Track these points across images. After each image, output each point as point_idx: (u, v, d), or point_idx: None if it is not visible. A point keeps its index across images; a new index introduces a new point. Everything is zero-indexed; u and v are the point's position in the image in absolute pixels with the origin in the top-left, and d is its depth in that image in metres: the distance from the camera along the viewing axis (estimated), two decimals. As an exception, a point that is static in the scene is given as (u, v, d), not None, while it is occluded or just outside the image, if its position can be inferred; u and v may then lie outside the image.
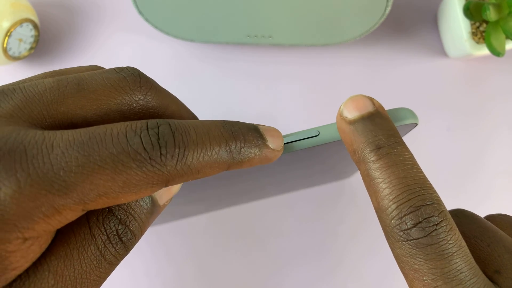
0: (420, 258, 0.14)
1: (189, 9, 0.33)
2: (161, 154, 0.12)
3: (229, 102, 0.39)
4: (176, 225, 0.37)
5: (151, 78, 0.16)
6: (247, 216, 0.37)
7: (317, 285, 0.37)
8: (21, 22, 0.35)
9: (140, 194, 0.12)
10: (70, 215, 0.12)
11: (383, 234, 0.15)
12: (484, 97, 0.39)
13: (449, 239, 0.14)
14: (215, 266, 0.37)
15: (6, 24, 0.34)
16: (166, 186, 0.13)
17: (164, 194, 0.15)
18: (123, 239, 0.14)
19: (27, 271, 0.12)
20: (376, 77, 0.39)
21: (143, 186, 0.12)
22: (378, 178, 0.15)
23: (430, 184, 0.15)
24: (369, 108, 0.16)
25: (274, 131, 0.16)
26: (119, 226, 0.14)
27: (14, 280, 0.12)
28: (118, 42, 0.39)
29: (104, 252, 0.13)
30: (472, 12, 0.33)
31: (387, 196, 0.14)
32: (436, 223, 0.14)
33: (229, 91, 0.39)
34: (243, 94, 0.39)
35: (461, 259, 0.14)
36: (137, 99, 0.15)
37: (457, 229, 0.14)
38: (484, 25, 0.35)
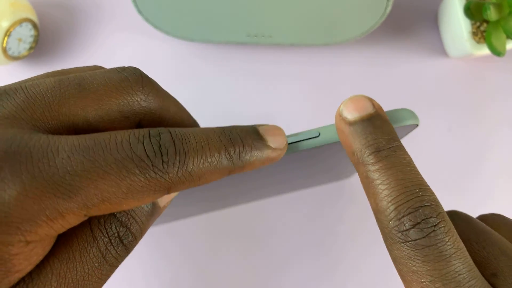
0: (418, 259, 0.14)
1: (188, 9, 0.33)
2: (163, 161, 0.12)
3: (229, 101, 0.39)
4: (175, 225, 0.37)
5: (152, 79, 0.16)
6: (247, 216, 0.37)
7: (317, 285, 0.37)
8: (20, 22, 0.35)
9: (142, 201, 0.13)
10: (73, 220, 0.12)
11: (383, 238, 0.15)
12: (485, 97, 0.39)
13: (447, 240, 0.14)
14: (214, 267, 0.37)
15: (5, 24, 0.34)
16: (168, 193, 0.13)
17: (164, 196, 0.15)
18: (124, 241, 0.14)
19: (30, 274, 0.12)
20: (376, 77, 0.39)
21: (145, 192, 0.12)
22: (377, 180, 0.15)
23: (428, 186, 0.15)
24: (368, 109, 0.16)
25: (276, 130, 0.16)
26: (120, 228, 0.14)
27: (18, 283, 0.12)
28: (117, 42, 0.39)
29: (105, 254, 0.13)
30: (473, 11, 0.33)
31: (385, 198, 0.14)
32: (434, 224, 0.14)
33: (229, 90, 0.39)
34: (242, 94, 0.39)
35: (460, 261, 0.13)
36: (138, 99, 0.15)
37: (455, 230, 0.14)
38: (485, 24, 0.35)
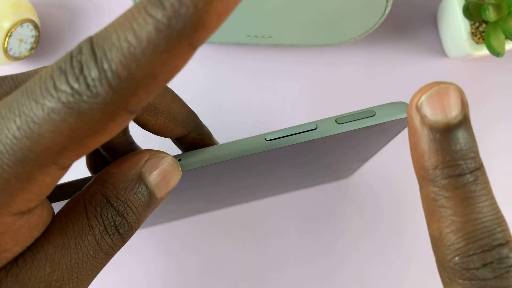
0: None
1: (189, 10, 0.33)
2: (87, 85, 0.10)
3: (229, 102, 0.39)
4: (176, 225, 0.37)
5: None
6: (247, 216, 0.37)
7: (317, 285, 0.37)
8: (21, 22, 0.35)
9: (105, 133, 0.11)
10: (48, 179, 0.11)
11: (436, 263, 0.14)
12: (484, 97, 0.39)
13: None
14: (214, 267, 0.37)
15: (6, 24, 0.34)
16: (131, 111, 0.11)
17: (162, 187, 0.15)
18: (120, 230, 0.14)
19: (24, 258, 0.12)
20: (376, 77, 0.39)
21: (97, 125, 0.10)
22: (448, 208, 0.13)
23: (505, 219, 0.13)
24: (458, 113, 0.13)
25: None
26: (117, 218, 0.14)
27: (12, 266, 0.12)
28: (118, 42, 0.39)
29: (101, 242, 0.13)
30: (472, 12, 0.33)
31: (455, 231, 0.13)
32: (510, 264, 0.12)
33: (229, 91, 0.39)
34: (242, 94, 0.39)
35: None
36: None
37: None
38: (484, 25, 0.36)
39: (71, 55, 0.10)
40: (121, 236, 0.14)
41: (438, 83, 0.13)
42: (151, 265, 0.37)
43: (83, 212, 0.13)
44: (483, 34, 0.35)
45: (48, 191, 0.12)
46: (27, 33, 0.36)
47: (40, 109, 0.10)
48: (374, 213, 0.38)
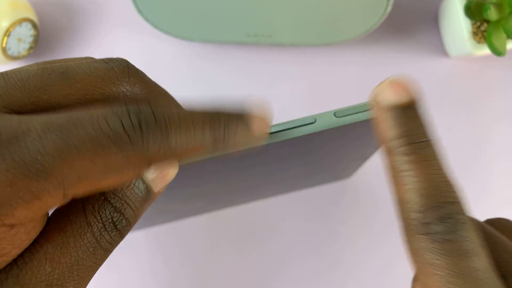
0: (438, 253, 0.14)
1: (188, 8, 0.33)
2: (142, 137, 0.12)
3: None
4: (175, 226, 0.37)
5: (140, 70, 0.15)
6: (247, 216, 0.37)
7: (317, 285, 0.37)
8: (20, 21, 0.35)
9: (123, 177, 0.12)
10: (51, 201, 0.12)
11: (401, 229, 0.15)
12: (485, 96, 0.39)
13: (470, 237, 0.14)
14: (214, 267, 0.37)
15: (5, 24, 0.34)
16: (149, 167, 0.13)
17: (159, 182, 0.15)
18: (118, 226, 0.14)
19: (23, 259, 0.12)
20: (377, 77, 0.39)
21: (125, 169, 0.12)
22: (408, 171, 0.15)
23: (457, 185, 0.15)
24: (407, 96, 0.15)
25: (261, 121, 0.15)
26: (115, 214, 0.14)
27: (11, 268, 0.12)
28: (117, 42, 0.39)
29: (99, 239, 0.13)
30: (473, 11, 0.33)
31: (413, 189, 0.14)
32: (460, 220, 0.14)
33: (229, 90, 0.39)
34: (242, 93, 0.39)
35: (478, 257, 0.14)
36: (124, 90, 0.14)
37: (476, 230, 0.14)
38: (485, 24, 0.35)
39: (127, 110, 0.12)
40: (119, 231, 0.14)
41: (392, 77, 0.16)
42: (150, 266, 0.37)
43: (80, 210, 0.13)
44: (484, 33, 0.35)
45: (43, 213, 0.12)
46: (26, 33, 0.36)
47: (86, 139, 0.11)
48: (374, 213, 0.38)
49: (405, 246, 0.15)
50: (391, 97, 0.15)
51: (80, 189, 0.12)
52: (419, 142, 0.15)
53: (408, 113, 0.15)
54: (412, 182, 0.14)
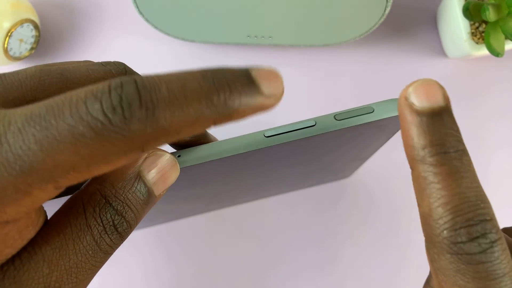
0: (469, 275, 0.13)
1: (189, 10, 0.33)
2: (124, 118, 0.10)
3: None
4: (175, 225, 0.37)
5: (137, 73, 0.15)
6: (247, 216, 0.37)
7: (317, 285, 0.37)
8: (21, 22, 0.35)
9: (114, 163, 0.11)
10: (43, 195, 0.11)
11: (425, 241, 0.14)
12: (484, 97, 0.39)
13: (503, 258, 0.13)
14: (214, 266, 0.37)
15: (6, 25, 0.34)
16: (143, 151, 0.11)
17: (160, 185, 0.15)
18: (119, 229, 0.14)
19: (21, 260, 0.12)
20: (376, 77, 0.39)
21: (113, 155, 0.11)
22: (437, 184, 0.14)
23: (489, 200, 0.14)
24: (440, 101, 0.14)
25: (271, 74, 0.12)
26: (115, 217, 0.14)
27: (8, 268, 0.12)
28: (118, 42, 0.39)
29: (99, 242, 0.13)
30: (472, 12, 0.33)
31: (442, 205, 0.13)
32: (493, 240, 0.13)
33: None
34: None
35: (508, 277, 0.13)
36: None
37: (508, 249, 0.14)
38: (484, 25, 0.36)
39: (109, 88, 0.11)
40: (120, 234, 0.14)
41: (423, 79, 0.15)
42: (151, 265, 0.37)
43: (81, 213, 0.13)
44: (483, 34, 0.35)
45: (37, 206, 0.12)
46: (27, 33, 0.36)
47: (65, 129, 0.10)
48: (373, 213, 0.38)
49: (430, 263, 0.14)
50: (424, 100, 0.14)
51: (72, 179, 0.11)
52: (451, 152, 0.14)
53: (440, 120, 0.14)
54: (442, 196, 0.13)
